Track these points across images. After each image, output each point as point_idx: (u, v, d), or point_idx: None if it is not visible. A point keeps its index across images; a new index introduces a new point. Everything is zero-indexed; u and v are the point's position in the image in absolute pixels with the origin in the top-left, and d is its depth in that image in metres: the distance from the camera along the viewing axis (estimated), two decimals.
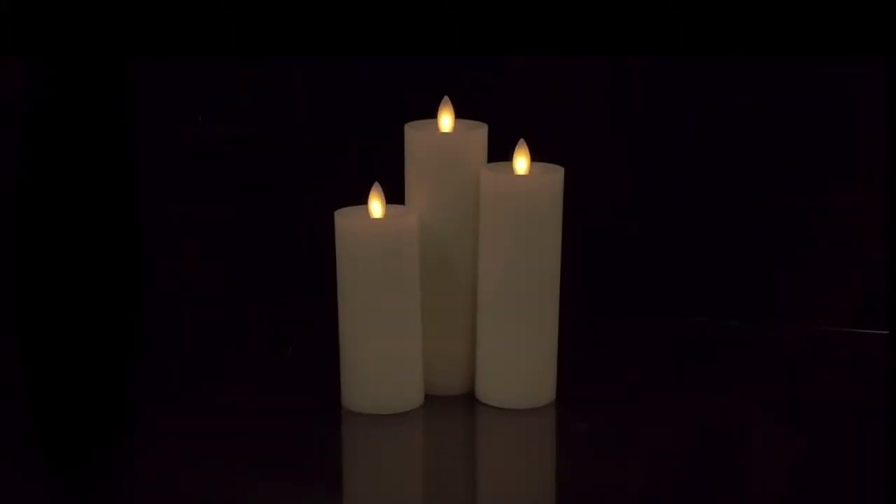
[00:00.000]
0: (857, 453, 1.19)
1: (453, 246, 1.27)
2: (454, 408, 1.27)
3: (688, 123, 1.46)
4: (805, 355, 1.40)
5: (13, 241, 1.48)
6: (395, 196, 1.27)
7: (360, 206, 1.25)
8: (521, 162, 1.25)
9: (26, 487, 1.14)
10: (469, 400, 1.28)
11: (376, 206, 1.24)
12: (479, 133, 1.27)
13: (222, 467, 1.16)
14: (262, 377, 1.34)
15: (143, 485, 1.14)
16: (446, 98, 1.28)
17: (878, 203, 1.42)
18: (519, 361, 1.25)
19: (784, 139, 1.44)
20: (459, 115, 1.29)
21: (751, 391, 1.30)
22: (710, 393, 1.30)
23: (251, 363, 1.37)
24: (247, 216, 1.54)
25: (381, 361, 1.23)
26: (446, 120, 1.28)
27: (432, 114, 1.29)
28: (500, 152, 1.27)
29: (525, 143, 1.25)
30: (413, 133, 1.26)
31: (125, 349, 1.44)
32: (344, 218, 1.23)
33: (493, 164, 1.26)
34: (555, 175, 1.24)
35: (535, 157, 1.26)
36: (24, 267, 1.49)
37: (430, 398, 1.27)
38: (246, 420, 1.24)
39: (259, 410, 1.26)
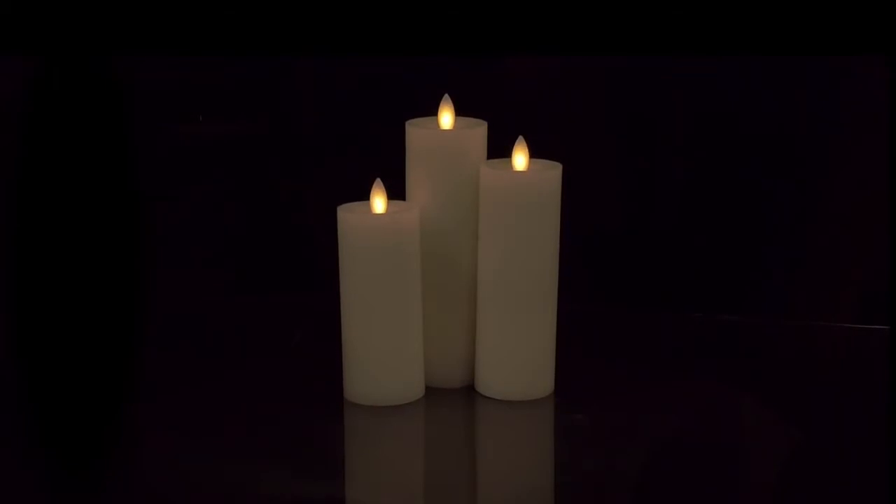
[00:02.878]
0: (857, 450, 1.21)
1: (453, 241, 1.31)
2: (454, 400, 1.31)
3: (688, 123, 1.49)
4: (805, 351, 1.43)
5: (13, 241, 1.51)
6: (396, 193, 1.31)
7: (362, 202, 1.29)
8: (520, 159, 1.30)
9: (26, 488, 1.16)
10: (469, 392, 1.32)
11: (378, 201, 1.29)
12: (478, 130, 1.31)
13: (224, 462, 1.19)
14: (263, 372, 1.37)
15: (142, 485, 1.17)
16: (446, 96, 1.32)
17: (878, 201, 1.44)
18: (518, 354, 1.29)
19: (784, 139, 1.47)
20: (460, 112, 1.32)
21: (750, 387, 1.33)
22: (709, 388, 1.33)
23: (252, 359, 1.40)
24: (247, 216, 1.57)
25: (382, 354, 1.28)
26: (446, 117, 1.33)
27: (433, 112, 1.32)
28: (499, 150, 1.31)
29: (524, 141, 1.30)
30: (414, 130, 1.31)
31: (125, 349, 1.46)
32: (347, 213, 1.27)
33: (492, 161, 1.31)
34: (553, 171, 1.29)
35: (533, 154, 1.30)
36: (23, 267, 1.51)
37: (430, 390, 1.31)
38: (247, 413, 1.28)
39: (261, 404, 1.30)
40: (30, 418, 1.31)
